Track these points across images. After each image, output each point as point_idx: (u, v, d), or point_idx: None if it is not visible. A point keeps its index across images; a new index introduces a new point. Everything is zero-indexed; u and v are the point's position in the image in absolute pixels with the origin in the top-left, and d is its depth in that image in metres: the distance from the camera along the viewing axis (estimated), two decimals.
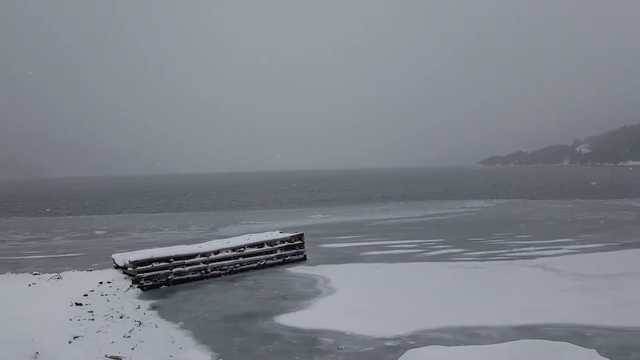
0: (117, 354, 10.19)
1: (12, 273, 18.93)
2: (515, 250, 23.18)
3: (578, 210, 43.81)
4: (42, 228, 42.00)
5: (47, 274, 17.88)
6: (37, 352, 8.73)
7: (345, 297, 15.45)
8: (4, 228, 43.19)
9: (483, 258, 21.34)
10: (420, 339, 11.28)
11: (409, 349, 10.49)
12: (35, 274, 18.32)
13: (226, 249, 19.83)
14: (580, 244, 24.22)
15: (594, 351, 6.65)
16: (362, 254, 23.29)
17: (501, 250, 23.13)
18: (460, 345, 10.12)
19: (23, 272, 19.12)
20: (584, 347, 6.92)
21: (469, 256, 21.95)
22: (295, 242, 21.78)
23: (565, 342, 7.10)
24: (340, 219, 41.53)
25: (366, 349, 10.93)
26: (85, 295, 15.25)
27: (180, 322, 13.38)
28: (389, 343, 11.18)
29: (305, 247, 22.25)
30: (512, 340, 8.32)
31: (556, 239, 26.13)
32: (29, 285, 16.03)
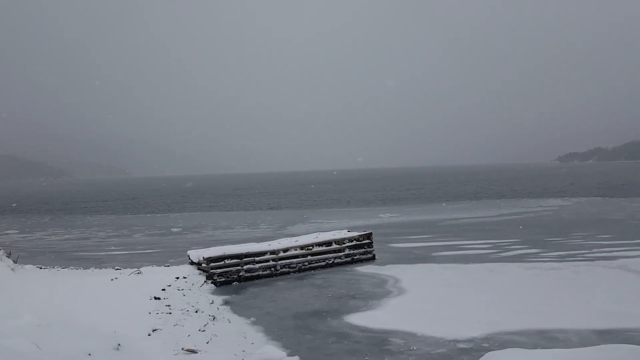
0: (193, 347, 10.50)
1: (96, 268, 20.06)
2: (595, 250, 21.89)
3: None
4: (123, 225, 44.41)
5: (128, 269, 18.78)
6: (119, 344, 9.14)
7: (416, 297, 15.14)
8: (88, 225, 46.08)
9: (561, 259, 20.31)
10: (495, 342, 10.91)
11: (483, 351, 10.17)
12: (117, 269, 19.31)
13: (295, 247, 20.02)
14: None
15: None
16: (433, 254, 22.76)
17: (580, 251, 21.90)
18: (537, 348, 9.68)
19: (106, 267, 20.22)
20: None
21: (546, 257, 20.95)
22: (364, 241, 21.62)
23: None
24: (410, 218, 40.86)
25: (438, 350, 10.65)
26: (163, 289, 15.87)
27: (252, 318, 13.63)
28: (462, 345, 10.87)
29: (374, 247, 22.03)
30: (593, 344, 7.81)
31: (639, 239, 24.41)
32: (112, 279, 16.89)
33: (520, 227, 32.06)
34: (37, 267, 19.16)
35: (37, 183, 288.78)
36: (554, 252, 22.03)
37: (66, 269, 19.31)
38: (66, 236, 37.81)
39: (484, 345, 10.72)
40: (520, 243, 25.05)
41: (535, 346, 10.38)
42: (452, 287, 16.21)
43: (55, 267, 19.91)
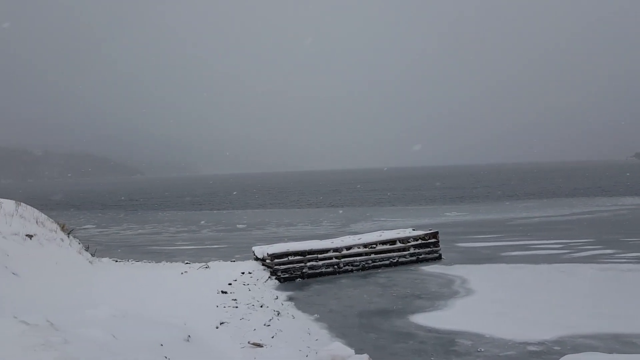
0: (259, 341, 10.64)
1: (167, 262, 20.84)
2: None
3: None
4: (192, 221, 45.98)
5: (197, 263, 19.38)
6: (189, 335, 9.39)
7: (485, 298, 14.74)
8: (160, 221, 48.08)
9: (639, 260, 19.10)
10: (567, 345, 10.48)
11: (555, 354, 9.85)
12: (187, 263, 19.97)
13: (358, 245, 19.89)
14: None
15: None
16: (502, 254, 22.00)
17: None
18: (613, 353, 9.09)
19: (176, 261, 20.97)
20: None
21: (623, 258, 19.82)
22: (430, 240, 21.15)
23: None
24: (478, 217, 39.66)
25: (507, 352, 10.33)
26: (230, 284, 16.24)
27: (316, 315, 13.65)
28: (532, 348, 10.50)
29: (441, 246, 21.52)
30: None
31: None
32: (181, 273, 17.48)
33: (594, 226, 30.38)
34: (113, 260, 20.16)
35: (112, 180, 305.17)
36: (632, 252, 20.79)
37: (139, 262, 20.20)
38: (139, 231, 39.65)
39: (556, 348, 10.31)
40: (594, 243, 23.84)
41: (611, 351, 9.82)
42: (522, 288, 15.69)
43: (129, 260, 20.90)
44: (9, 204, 16.49)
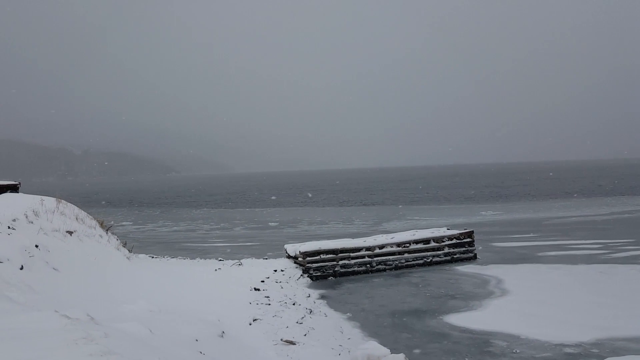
0: (292, 339, 10.68)
1: (201, 258, 21.14)
2: None
3: None
4: (225, 219, 46.59)
5: (230, 261, 19.59)
6: (223, 332, 9.51)
7: (521, 299, 14.48)
8: (194, 218, 48.88)
9: None
10: (606, 348, 10.21)
11: (593, 357, 9.70)
12: (220, 260, 20.21)
13: (391, 244, 19.75)
14: None
15: None
16: (539, 254, 21.53)
17: None
18: None
19: (210, 258, 21.25)
20: None
21: None
22: (465, 240, 20.83)
23: None
24: (514, 216, 38.89)
25: (543, 354, 10.13)
26: (262, 281, 16.36)
27: (348, 314, 13.61)
28: (569, 350, 10.28)
29: (476, 246, 21.18)
30: None
31: None
32: (215, 270, 17.68)
33: (634, 225, 29.37)
34: (149, 256, 20.58)
35: (148, 178, 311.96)
36: None
37: (175, 259, 20.56)
38: (174, 228, 40.40)
39: (594, 351, 10.09)
40: (634, 243, 23.23)
41: None
42: (559, 289, 15.38)
43: (165, 256, 21.30)
44: (50, 201, 17.01)
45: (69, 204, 18.09)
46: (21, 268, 11.14)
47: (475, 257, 20.83)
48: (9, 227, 12.91)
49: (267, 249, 25.07)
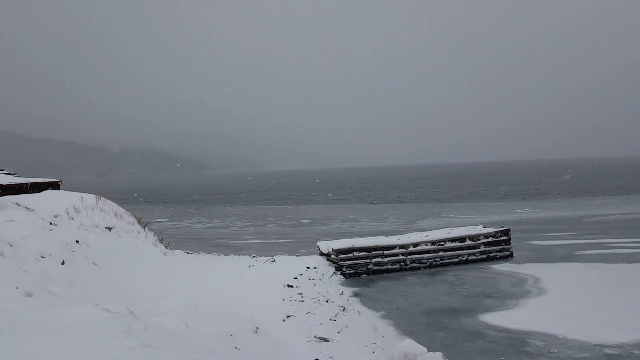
0: (325, 336, 10.68)
1: (235, 255, 21.39)
2: None
3: None
4: (258, 216, 47.02)
5: (263, 257, 19.74)
6: (257, 327, 9.58)
7: (558, 298, 14.18)
8: (228, 215, 49.50)
9: None
10: None
11: (634, 359, 9.14)
12: (254, 256, 20.39)
13: (425, 242, 19.53)
14: None
15: None
16: (577, 252, 20.96)
17: None
18: None
19: (243, 255, 21.47)
20: None
21: None
22: (501, 238, 20.42)
23: None
24: (551, 214, 37.93)
25: (582, 355, 9.91)
26: (295, 278, 16.41)
27: (382, 312, 13.53)
28: (608, 350, 10.02)
29: (512, 244, 20.74)
30: None
31: None
32: (249, 266, 17.86)
33: None
34: (185, 252, 20.94)
35: (183, 176, 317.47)
36: None
37: (209, 255, 20.85)
38: (209, 225, 41.03)
39: (636, 352, 9.81)
40: None
41: None
42: (598, 289, 15.04)
43: (199, 252, 21.63)
44: (90, 198, 17.50)
45: (108, 200, 18.56)
46: (62, 263, 11.49)
47: (511, 255, 20.40)
48: (50, 224, 13.34)
49: (300, 246, 25.16)
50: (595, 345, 10.26)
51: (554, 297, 14.23)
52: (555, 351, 10.10)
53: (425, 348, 6.62)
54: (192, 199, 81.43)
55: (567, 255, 20.41)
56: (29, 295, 7.10)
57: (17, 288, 7.20)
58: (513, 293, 14.89)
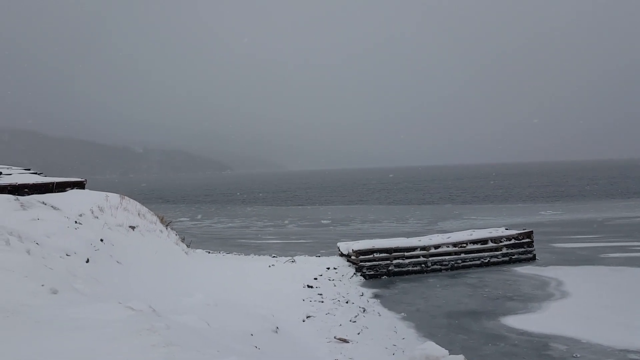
0: (345, 337, 10.66)
1: (255, 255, 21.51)
2: None
3: None
4: (278, 216, 47.19)
5: (283, 257, 19.81)
6: (277, 327, 9.62)
7: (581, 302, 13.92)
8: (248, 215, 49.80)
9: None
10: None
11: None
12: (274, 256, 20.48)
13: (447, 244, 19.36)
14: None
15: None
16: (601, 255, 20.56)
17: None
18: None
19: (264, 254, 21.58)
20: None
21: None
22: (524, 240, 20.14)
23: None
24: (575, 216, 37.26)
25: (605, 359, 9.67)
26: (315, 278, 16.43)
27: (402, 314, 13.45)
28: (633, 356, 9.81)
29: (535, 246, 20.43)
30: None
31: None
32: (269, 266, 17.94)
33: None
34: (206, 251, 21.13)
35: (204, 176, 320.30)
36: None
37: (230, 254, 21.01)
38: (229, 224, 41.33)
39: None
40: None
41: None
42: (622, 292, 14.74)
43: (220, 252, 21.81)
44: (114, 198, 17.78)
45: (131, 200, 18.84)
46: (87, 261, 11.69)
47: (534, 258, 20.10)
48: (76, 222, 13.59)
49: (320, 247, 25.17)
50: (620, 350, 10.06)
51: (577, 301, 13.98)
52: (578, 356, 9.93)
53: (447, 351, 6.57)
54: (213, 199, 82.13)
55: (590, 258, 20.04)
56: (55, 292, 7.25)
57: (43, 285, 7.36)
58: (535, 296, 14.67)
